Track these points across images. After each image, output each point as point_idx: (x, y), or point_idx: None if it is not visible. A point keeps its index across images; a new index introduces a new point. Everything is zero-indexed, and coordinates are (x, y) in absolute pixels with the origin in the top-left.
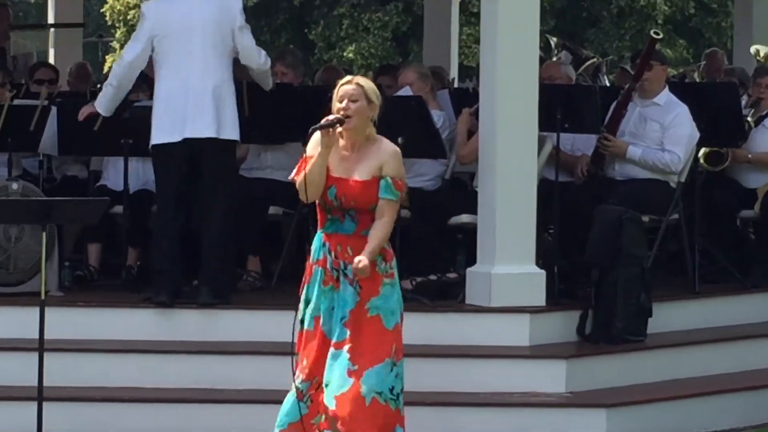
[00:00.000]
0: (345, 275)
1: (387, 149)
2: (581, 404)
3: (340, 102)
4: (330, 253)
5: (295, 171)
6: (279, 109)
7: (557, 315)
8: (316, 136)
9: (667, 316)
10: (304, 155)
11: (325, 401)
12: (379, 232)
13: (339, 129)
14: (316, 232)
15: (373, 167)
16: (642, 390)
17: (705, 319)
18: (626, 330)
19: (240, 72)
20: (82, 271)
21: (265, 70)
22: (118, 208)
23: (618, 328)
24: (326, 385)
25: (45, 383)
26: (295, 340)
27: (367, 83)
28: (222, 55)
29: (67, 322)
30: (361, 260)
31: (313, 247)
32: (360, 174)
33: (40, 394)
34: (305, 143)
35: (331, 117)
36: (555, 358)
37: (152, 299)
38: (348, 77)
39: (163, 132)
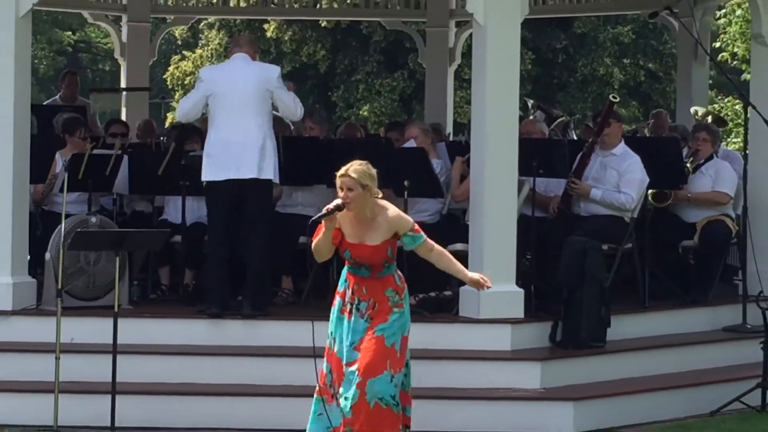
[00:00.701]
0: (358, 309)
1: (392, 219)
2: (553, 398)
3: (341, 191)
4: (349, 288)
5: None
6: (308, 158)
7: (533, 325)
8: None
9: (623, 326)
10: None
11: (343, 410)
12: (446, 256)
13: (338, 213)
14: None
15: (384, 234)
16: (603, 387)
17: (653, 328)
18: (590, 338)
19: (277, 127)
20: (155, 293)
21: (297, 114)
22: (177, 238)
23: (583, 336)
24: (343, 398)
25: (117, 380)
26: (325, 351)
27: (358, 172)
28: (261, 112)
29: (136, 330)
30: (486, 283)
31: (340, 279)
32: (371, 240)
33: (113, 389)
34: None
35: (331, 205)
36: (531, 360)
37: (204, 311)
38: (343, 169)
39: (209, 172)
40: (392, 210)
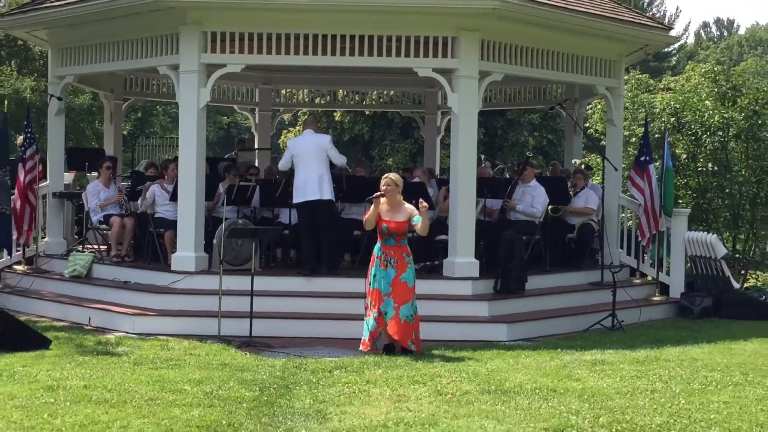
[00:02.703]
0: (389, 263)
1: (408, 209)
2: (495, 321)
3: (382, 186)
4: (383, 253)
5: (365, 214)
6: (358, 187)
7: (484, 281)
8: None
9: (535, 281)
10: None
11: (385, 318)
12: (425, 222)
13: (381, 200)
14: (376, 244)
15: (404, 216)
16: (523, 315)
17: (552, 282)
18: (516, 287)
19: (337, 170)
20: (274, 262)
21: (342, 163)
22: (286, 232)
23: (512, 286)
24: (385, 314)
25: (254, 310)
26: (367, 292)
27: (395, 177)
28: (322, 162)
29: (264, 283)
30: (421, 221)
31: (375, 249)
32: (397, 218)
33: (251, 315)
34: (369, 203)
35: (377, 193)
36: (483, 300)
37: (301, 272)
38: (386, 174)
39: (295, 197)
40: (408, 205)
